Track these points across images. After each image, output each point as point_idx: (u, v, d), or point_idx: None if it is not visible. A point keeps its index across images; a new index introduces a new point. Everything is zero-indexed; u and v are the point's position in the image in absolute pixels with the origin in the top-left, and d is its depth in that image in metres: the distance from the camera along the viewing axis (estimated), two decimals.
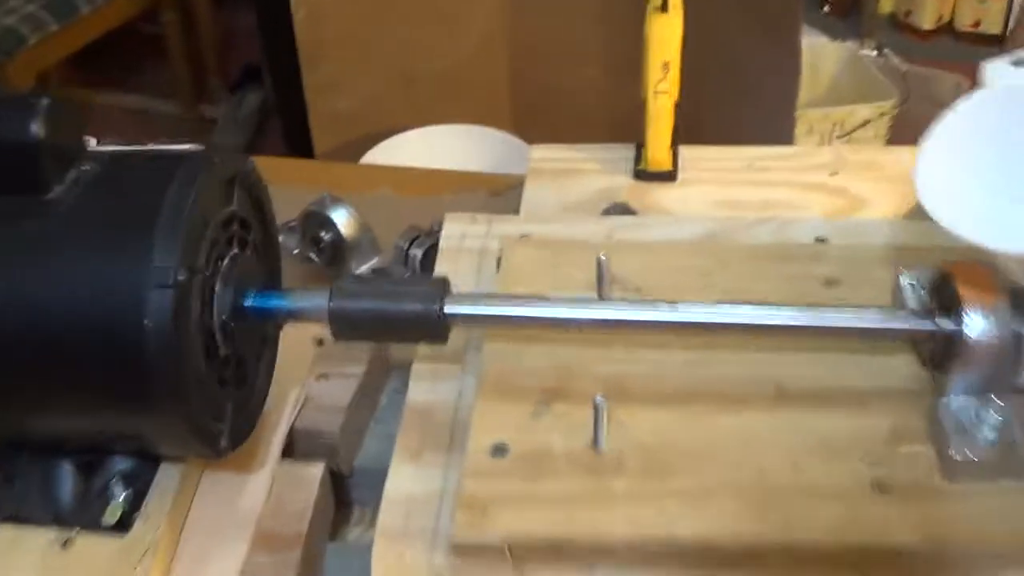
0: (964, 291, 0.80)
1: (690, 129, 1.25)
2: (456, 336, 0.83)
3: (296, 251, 1.25)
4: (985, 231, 0.77)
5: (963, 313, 0.79)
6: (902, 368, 0.85)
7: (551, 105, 2.01)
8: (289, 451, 0.96)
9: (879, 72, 2.46)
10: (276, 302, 0.85)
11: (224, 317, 0.82)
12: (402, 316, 0.82)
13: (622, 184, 1.23)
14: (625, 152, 1.27)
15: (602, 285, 0.89)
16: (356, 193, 1.30)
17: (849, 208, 1.20)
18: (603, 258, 0.87)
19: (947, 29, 3.26)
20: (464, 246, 0.99)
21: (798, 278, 0.92)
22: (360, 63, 1.97)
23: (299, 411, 0.97)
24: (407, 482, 0.83)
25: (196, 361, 0.78)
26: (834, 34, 2.57)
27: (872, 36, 2.66)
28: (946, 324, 0.80)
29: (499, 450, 0.80)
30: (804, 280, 0.91)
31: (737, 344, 0.86)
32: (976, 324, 0.79)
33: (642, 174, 1.24)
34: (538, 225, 0.99)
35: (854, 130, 2.31)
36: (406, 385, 0.91)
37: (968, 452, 0.78)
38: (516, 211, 1.21)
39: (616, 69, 1.79)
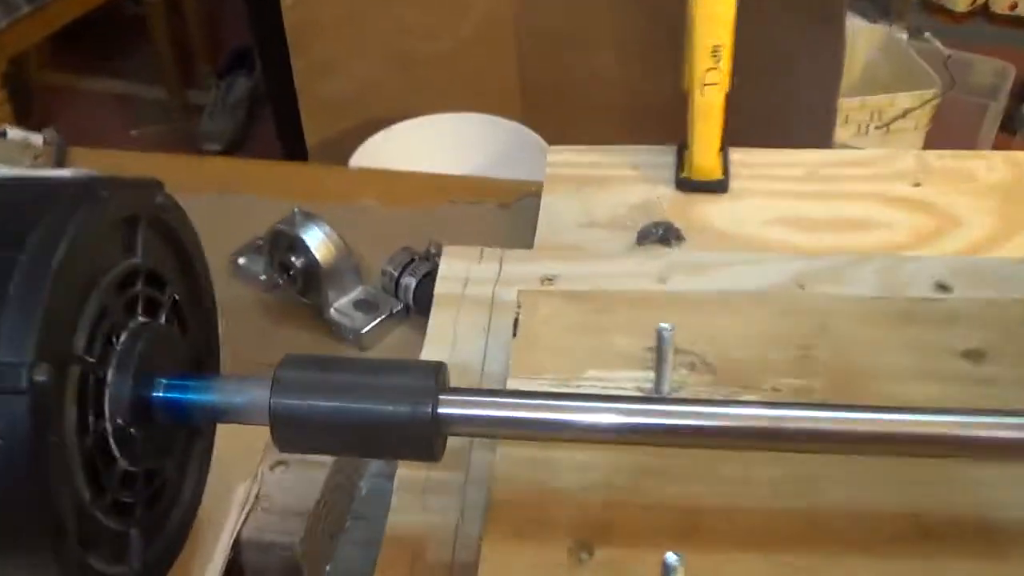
0: None
1: None
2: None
3: (263, 277, 0.93)
4: None
5: None
6: None
7: (562, 92, 1.68)
8: (237, 570, 0.65)
9: (918, 57, 2.12)
10: (196, 396, 0.55)
11: (121, 419, 0.51)
12: (377, 422, 0.51)
13: (661, 196, 0.92)
14: (663, 156, 0.96)
15: (661, 371, 0.57)
16: (337, 204, 0.99)
17: (939, 229, 0.89)
18: (666, 330, 0.56)
19: (982, 11, 2.91)
20: (468, 294, 0.67)
21: (928, 350, 0.61)
22: (354, 45, 1.66)
23: (246, 516, 0.66)
24: None
25: (73, 487, 0.49)
26: (864, 16, 2.24)
27: (903, 19, 2.32)
28: None
29: None
30: (937, 354, 0.61)
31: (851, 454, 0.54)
32: None
33: (686, 184, 0.93)
34: (563, 265, 0.69)
35: (893, 120, 1.98)
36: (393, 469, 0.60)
37: None
38: (530, 227, 0.89)
39: (633, 55, 1.48)
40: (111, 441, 0.53)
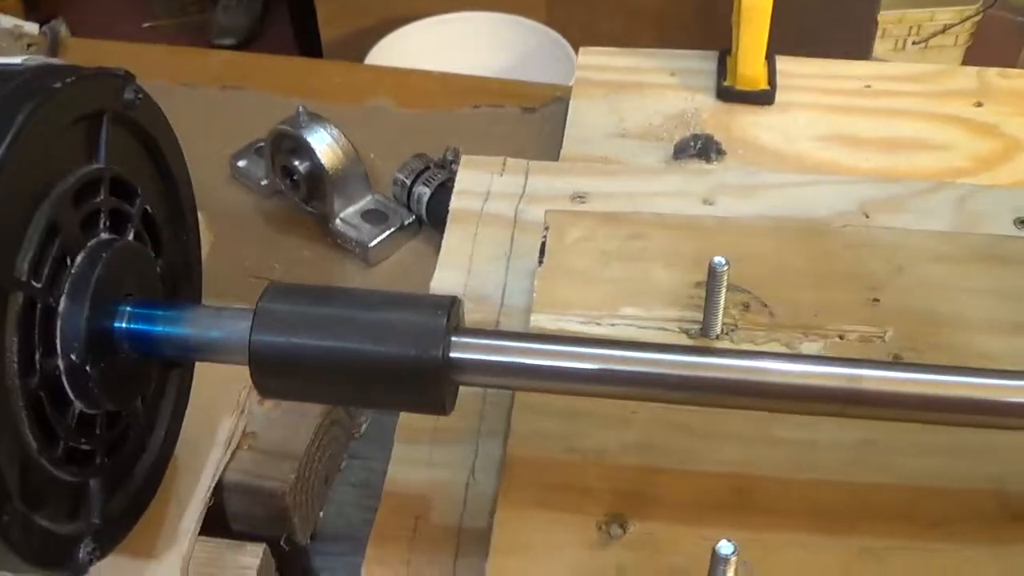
0: None
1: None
2: None
3: (264, 182, 0.83)
4: None
5: None
6: None
7: None
8: (219, 516, 0.55)
9: None
10: (165, 329, 0.45)
11: (76, 356, 0.41)
12: (375, 367, 0.42)
13: (701, 106, 0.81)
14: (704, 63, 0.85)
15: (712, 312, 0.47)
16: (347, 104, 0.88)
17: (1004, 153, 0.78)
18: (721, 266, 0.46)
19: None
20: (488, 211, 0.57)
21: (1018, 296, 0.50)
22: None
23: (231, 456, 0.57)
24: None
25: (15, 435, 0.40)
26: None
27: None
28: None
29: None
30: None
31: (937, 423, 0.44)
32: None
33: (729, 93, 0.82)
34: (596, 180, 0.58)
35: (932, 36, 1.84)
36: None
37: None
38: (557, 135, 0.79)
39: None
40: (64, 381, 0.44)
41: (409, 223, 0.80)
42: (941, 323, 0.50)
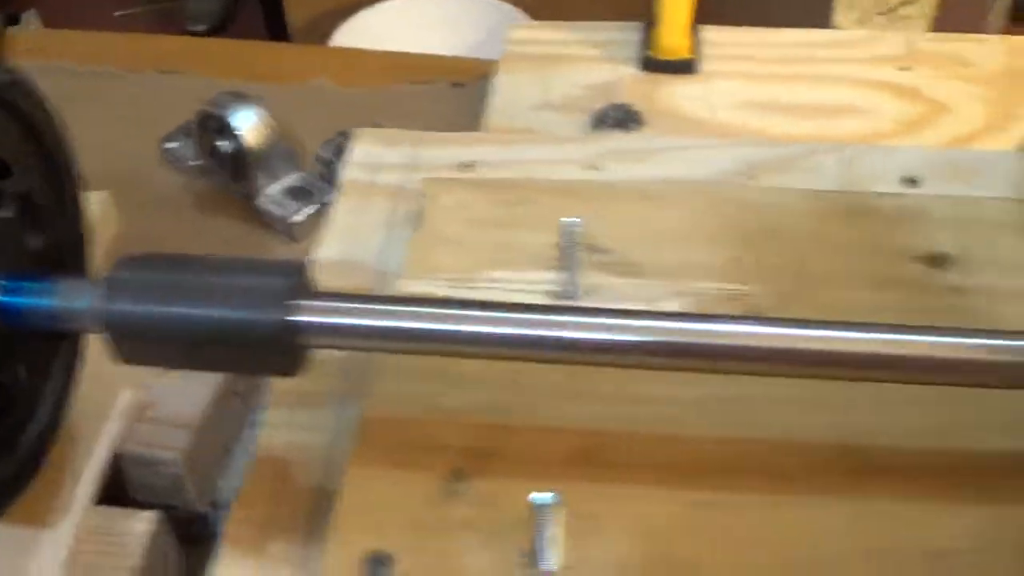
0: None
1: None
2: None
3: (193, 163, 0.84)
4: None
5: None
6: None
7: None
8: (120, 487, 0.57)
9: None
10: (30, 300, 0.46)
11: None
12: (220, 331, 0.43)
13: (624, 77, 0.82)
14: (631, 34, 0.85)
15: (570, 272, 0.48)
16: (284, 84, 0.90)
17: (925, 117, 0.79)
18: (572, 226, 0.47)
19: None
20: (376, 182, 0.58)
21: (884, 252, 0.52)
22: None
23: (129, 428, 0.58)
24: None
25: None
26: None
27: None
28: None
29: (380, 565, 0.41)
30: (894, 257, 0.51)
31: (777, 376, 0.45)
32: None
33: (652, 63, 0.83)
34: (487, 149, 0.59)
35: (900, 6, 1.84)
36: None
37: None
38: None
39: None
40: None
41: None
42: (805, 279, 0.51)
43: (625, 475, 0.44)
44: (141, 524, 0.56)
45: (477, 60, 0.90)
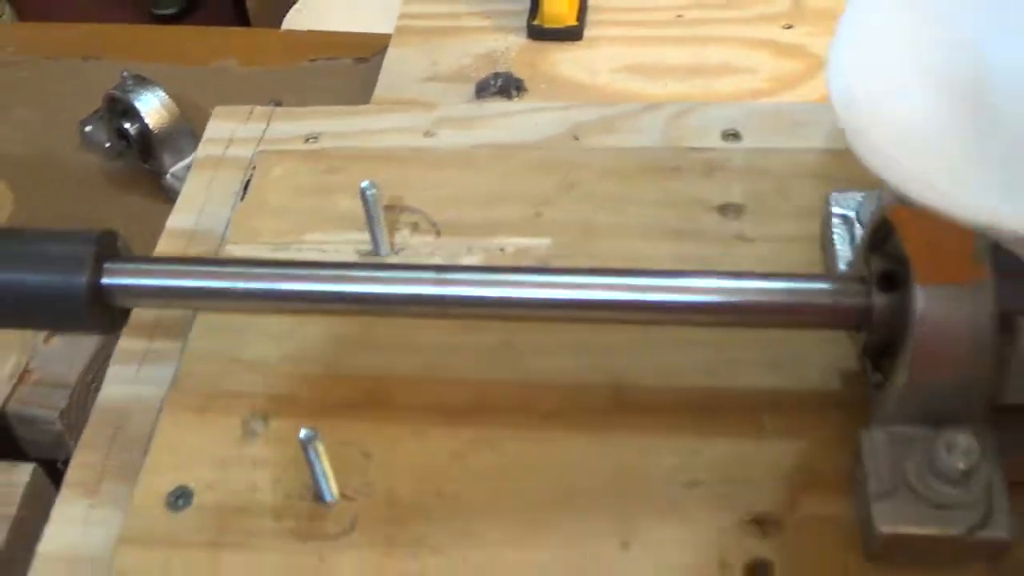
0: (917, 254, 0.44)
1: None
2: None
3: (108, 144, 0.90)
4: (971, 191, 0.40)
5: (912, 287, 0.43)
6: (827, 358, 0.49)
7: None
8: (13, 445, 0.64)
9: None
10: None
11: None
12: (36, 294, 0.48)
13: (512, 46, 0.86)
14: (520, 4, 0.89)
15: (374, 233, 0.54)
16: (191, 67, 0.95)
17: (805, 73, 0.83)
18: (368, 189, 0.52)
19: None
20: (227, 156, 0.63)
21: (680, 204, 0.56)
22: None
23: (13, 391, 0.64)
24: (72, 529, 0.50)
25: None
26: None
27: None
28: (883, 302, 0.44)
29: (180, 497, 0.47)
30: (689, 207, 0.56)
31: (558, 322, 0.50)
32: (932, 306, 0.43)
33: (537, 31, 0.87)
34: (331, 121, 0.64)
35: None
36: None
37: (906, 521, 0.43)
38: None
39: None
40: None
41: None
42: (599, 232, 0.55)
43: (403, 416, 0.49)
44: (19, 475, 0.62)
45: (380, 35, 0.95)
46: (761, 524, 0.46)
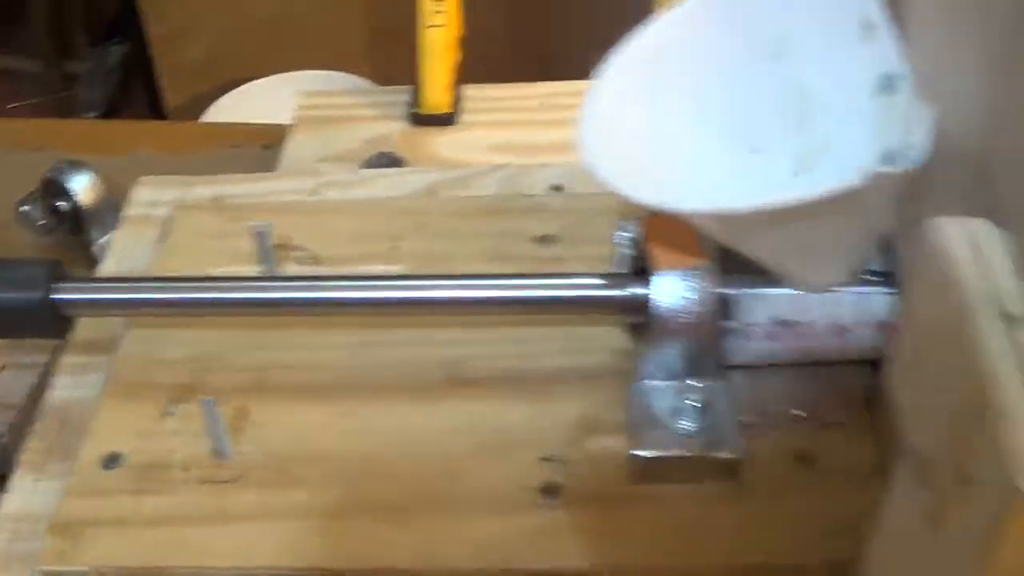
0: (656, 250, 0.63)
1: (533, 68, 1.08)
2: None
3: (42, 222, 1.08)
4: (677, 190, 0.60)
5: (653, 276, 0.62)
6: (609, 342, 0.68)
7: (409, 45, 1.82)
8: None
9: None
10: None
11: None
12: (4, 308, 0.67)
13: (395, 131, 1.06)
14: (404, 96, 1.09)
15: (266, 258, 0.72)
16: (116, 155, 1.14)
17: None
18: (260, 228, 0.71)
19: None
20: (151, 214, 0.82)
21: (507, 236, 0.76)
22: (206, 9, 1.80)
23: None
24: (24, 497, 0.67)
25: None
26: None
27: None
28: (638, 290, 0.63)
29: (113, 460, 0.65)
30: (513, 239, 0.76)
31: (405, 322, 0.69)
32: (666, 289, 0.62)
33: (418, 118, 1.07)
34: (239, 186, 0.83)
35: None
36: None
37: (659, 448, 0.62)
38: None
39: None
40: None
41: None
42: (441, 258, 0.74)
43: (284, 396, 0.68)
44: None
45: (284, 125, 1.15)
46: (554, 459, 0.64)
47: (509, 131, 1.07)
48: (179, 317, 0.70)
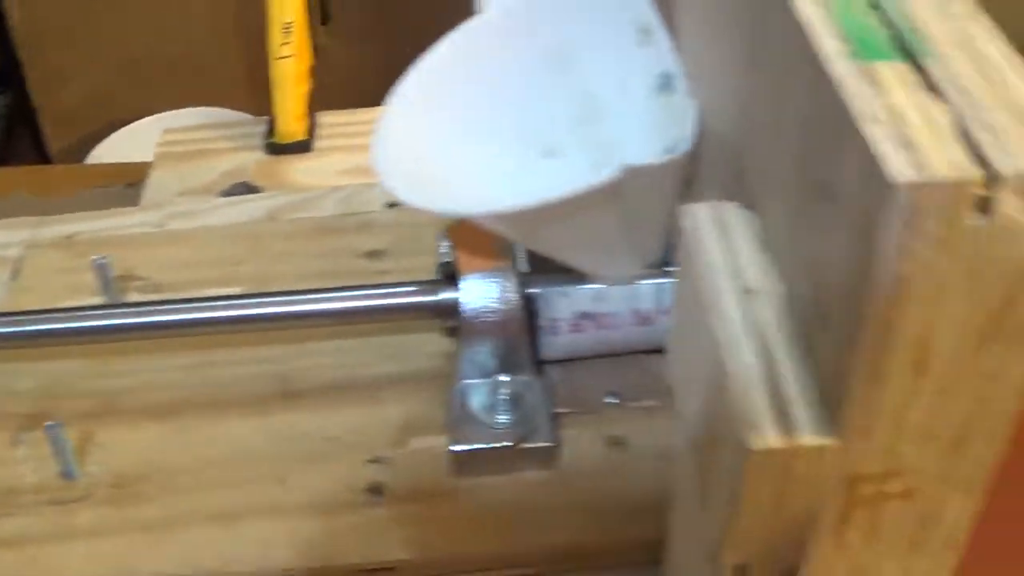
0: (462, 255, 0.68)
1: None
2: None
3: None
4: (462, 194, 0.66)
5: (460, 281, 0.68)
6: (431, 347, 0.73)
7: None
8: None
9: None
10: None
11: None
12: None
13: (252, 161, 1.11)
14: (261, 127, 1.14)
15: (106, 289, 0.77)
16: None
17: None
18: (99, 261, 0.76)
19: None
20: (4, 255, 0.86)
21: (339, 254, 0.81)
22: (85, 53, 1.84)
23: None
24: None
25: None
26: None
27: None
28: (448, 294, 0.69)
29: None
30: (345, 256, 0.81)
31: (240, 341, 0.74)
32: (473, 292, 0.68)
33: (274, 147, 1.12)
34: (90, 223, 0.87)
35: None
36: None
37: (475, 442, 0.67)
38: None
39: (355, 34, 1.66)
40: None
41: None
42: (276, 279, 0.79)
43: (130, 417, 0.72)
44: None
45: (145, 163, 1.19)
46: (380, 461, 0.69)
47: (362, 155, 1.12)
48: (23, 349, 0.74)
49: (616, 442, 0.69)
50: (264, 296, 0.71)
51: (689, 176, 0.61)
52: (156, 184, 1.11)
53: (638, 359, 0.72)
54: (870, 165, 0.32)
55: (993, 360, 0.37)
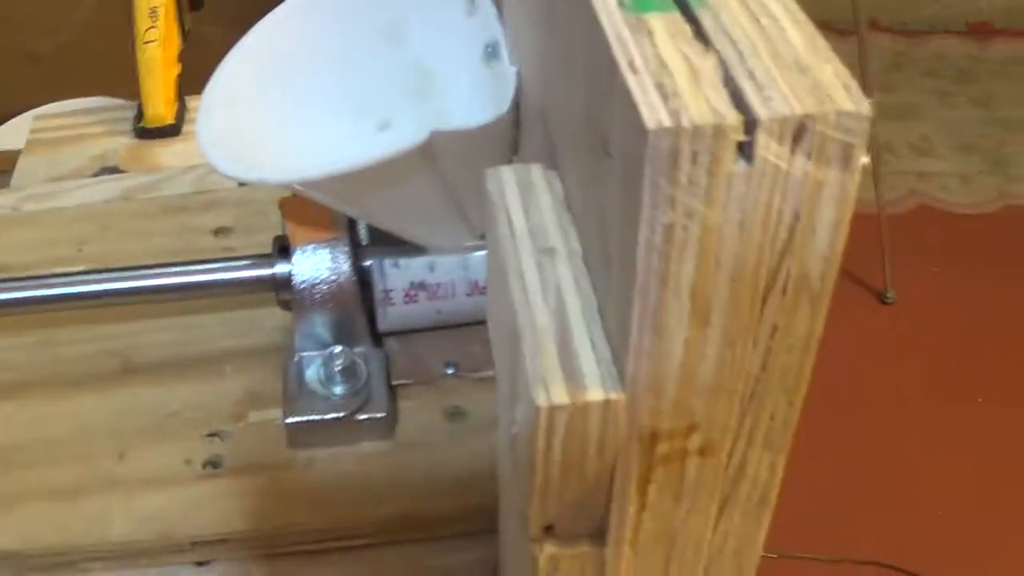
0: (293, 227, 0.64)
1: None
2: None
3: None
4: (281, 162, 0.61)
5: (292, 253, 0.63)
6: (272, 321, 0.69)
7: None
8: None
9: None
10: None
11: None
12: None
13: (121, 145, 1.05)
14: (130, 112, 1.08)
15: None
16: None
17: None
18: None
19: None
20: None
21: (185, 231, 0.78)
22: None
23: None
24: None
25: None
26: None
27: None
28: (282, 267, 0.64)
29: None
30: (191, 233, 0.78)
31: (83, 318, 0.69)
32: (304, 264, 0.63)
33: (142, 132, 1.06)
34: None
35: None
36: None
37: (310, 413, 0.63)
38: None
39: (229, 19, 1.59)
40: None
41: None
42: (124, 256, 0.75)
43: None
44: None
45: (16, 151, 1.13)
46: (218, 434, 0.65)
47: None
48: None
49: (454, 412, 0.66)
50: (102, 272, 0.67)
51: (515, 143, 0.57)
52: (25, 170, 1.05)
53: (477, 330, 0.69)
54: (631, 114, 0.30)
55: (776, 313, 0.34)
